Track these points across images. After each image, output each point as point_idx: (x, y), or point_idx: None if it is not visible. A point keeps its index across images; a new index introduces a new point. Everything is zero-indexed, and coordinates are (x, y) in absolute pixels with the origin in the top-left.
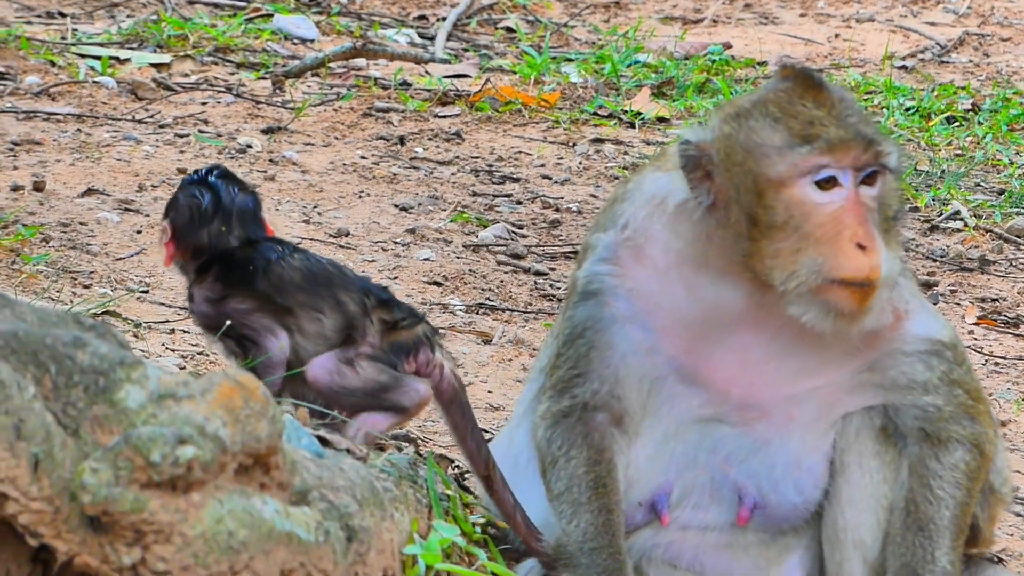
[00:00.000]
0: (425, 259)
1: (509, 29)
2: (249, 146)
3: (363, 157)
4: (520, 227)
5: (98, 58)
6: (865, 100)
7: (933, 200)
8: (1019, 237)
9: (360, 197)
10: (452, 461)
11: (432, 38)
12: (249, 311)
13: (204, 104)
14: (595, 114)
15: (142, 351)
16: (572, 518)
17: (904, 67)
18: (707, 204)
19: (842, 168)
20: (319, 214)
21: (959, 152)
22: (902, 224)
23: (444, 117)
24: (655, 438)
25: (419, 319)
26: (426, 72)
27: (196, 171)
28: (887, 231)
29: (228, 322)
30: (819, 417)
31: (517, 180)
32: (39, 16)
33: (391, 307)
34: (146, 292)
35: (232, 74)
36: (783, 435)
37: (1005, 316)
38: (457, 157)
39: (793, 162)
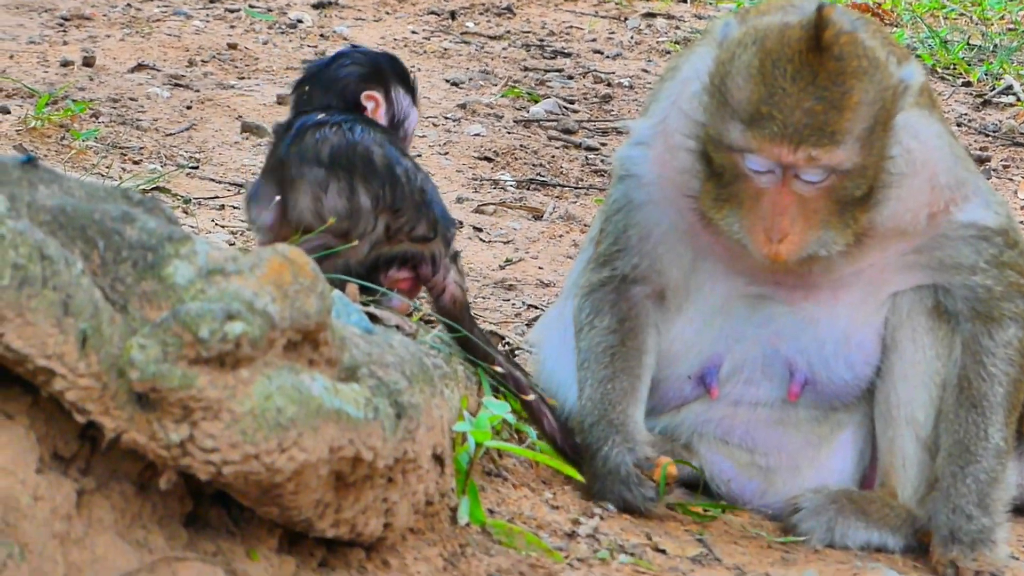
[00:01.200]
0: (476, 134)
1: None
2: (300, 21)
3: (414, 32)
4: (571, 102)
5: None
6: None
7: (985, 75)
8: None
9: (411, 72)
10: (503, 338)
11: None
12: (263, 173)
13: None
14: None
15: (191, 227)
16: (583, 388)
17: None
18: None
19: (767, 163)
20: None
21: (1012, 26)
22: (876, 201)
23: None
24: (702, 312)
25: (431, 237)
26: None
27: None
28: (842, 211)
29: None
30: (867, 297)
31: (568, 55)
32: None
33: (401, 214)
34: (196, 168)
35: None
36: (831, 314)
37: None
38: (508, 32)
39: (733, 131)
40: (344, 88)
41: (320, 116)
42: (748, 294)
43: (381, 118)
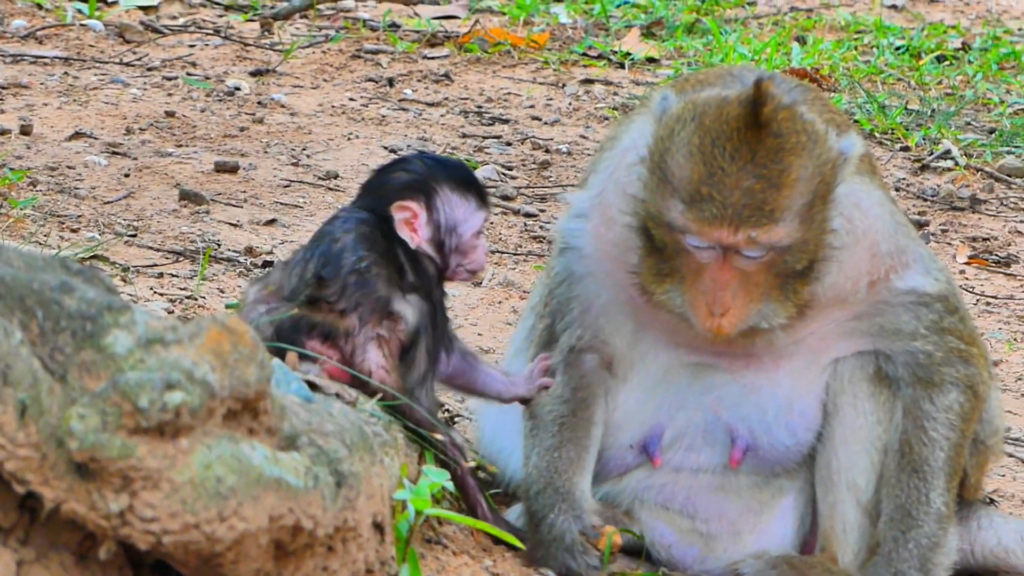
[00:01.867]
0: None
1: None
2: (238, 88)
3: (352, 99)
4: (510, 168)
5: (85, 0)
6: (855, 40)
7: (923, 139)
8: (1010, 176)
9: (349, 139)
10: (442, 405)
11: None
12: None
13: (192, 47)
14: (584, 55)
15: (130, 296)
16: (530, 456)
17: (894, 6)
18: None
19: (706, 243)
20: (308, 156)
21: (949, 91)
22: (820, 272)
23: (433, 59)
24: (644, 382)
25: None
26: (415, 13)
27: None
28: (783, 284)
29: None
30: (808, 364)
31: (506, 121)
32: None
33: (324, 286)
34: (134, 236)
35: (220, 16)
36: (772, 381)
37: (996, 255)
38: (446, 99)
39: (673, 210)
40: (381, 196)
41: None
42: (690, 363)
43: (421, 228)
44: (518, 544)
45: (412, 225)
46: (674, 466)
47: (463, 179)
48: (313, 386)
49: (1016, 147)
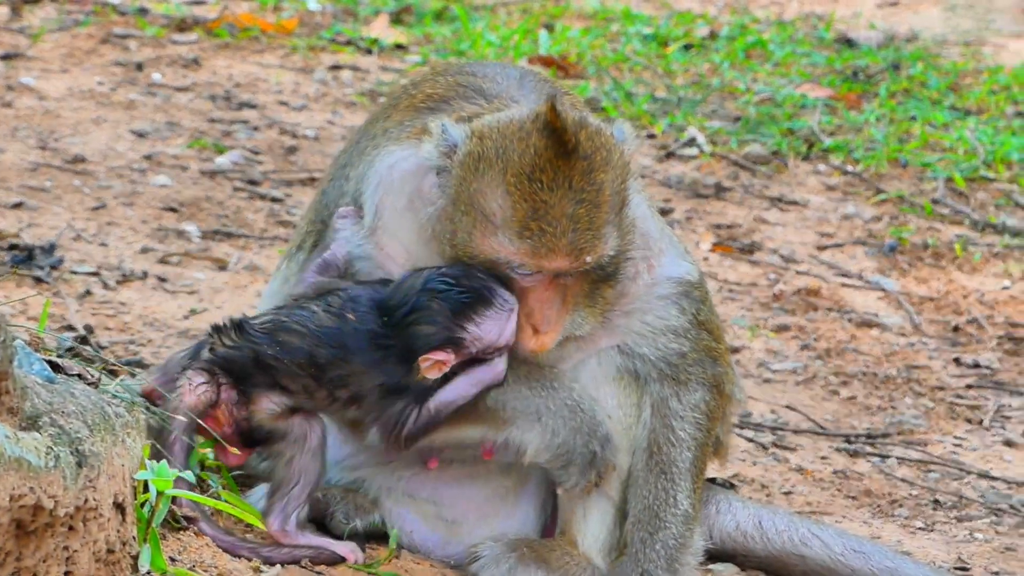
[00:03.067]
0: (162, 185)
1: None
2: None
3: (100, 83)
4: (257, 153)
5: None
6: (602, 27)
7: (669, 127)
8: (755, 164)
9: (97, 123)
10: None
11: None
12: None
13: None
14: (333, 41)
15: None
16: None
17: None
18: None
19: (535, 271)
20: (56, 140)
21: (696, 79)
22: (620, 273)
23: (182, 43)
24: None
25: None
26: None
27: None
28: (595, 289)
29: None
30: (570, 357)
31: (254, 107)
32: None
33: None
34: None
35: None
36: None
37: (740, 242)
38: (195, 83)
39: (501, 247)
40: (409, 345)
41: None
42: None
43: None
44: (258, 524)
45: (441, 367)
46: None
47: (489, 305)
48: (56, 367)
49: (761, 135)
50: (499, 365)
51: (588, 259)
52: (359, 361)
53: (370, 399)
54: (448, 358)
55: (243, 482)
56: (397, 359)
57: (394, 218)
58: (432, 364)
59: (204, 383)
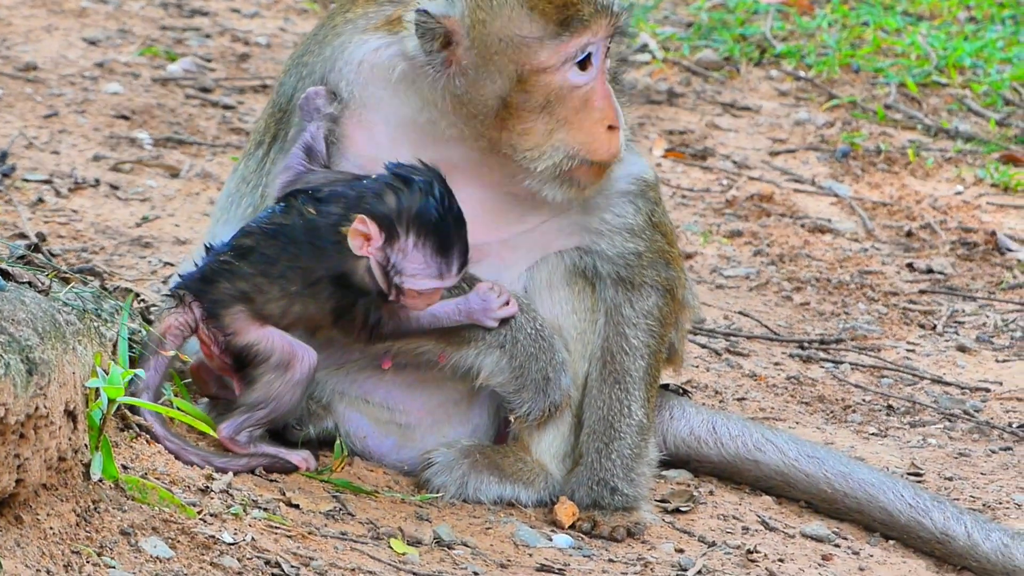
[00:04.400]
0: (113, 93)
1: None
2: None
3: None
4: (208, 61)
5: None
6: None
7: None
8: (707, 69)
9: (48, 31)
10: (138, 295)
11: None
12: None
13: None
14: None
15: None
16: None
17: None
18: (444, 77)
19: (596, 43)
20: (7, 48)
21: None
22: (623, 90)
23: None
24: None
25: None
26: None
27: None
28: (618, 95)
29: None
30: (528, 256)
31: (206, 14)
32: None
33: None
34: None
35: None
36: (491, 274)
37: (693, 148)
38: None
39: (555, 49)
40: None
41: None
42: None
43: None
44: (211, 432)
45: (364, 240)
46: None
47: (437, 238)
48: (6, 274)
49: (713, 41)
50: (492, 303)
51: (625, 11)
52: (304, 253)
53: (323, 293)
54: (369, 231)
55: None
56: (339, 248)
57: (378, 101)
58: (355, 235)
59: (174, 307)
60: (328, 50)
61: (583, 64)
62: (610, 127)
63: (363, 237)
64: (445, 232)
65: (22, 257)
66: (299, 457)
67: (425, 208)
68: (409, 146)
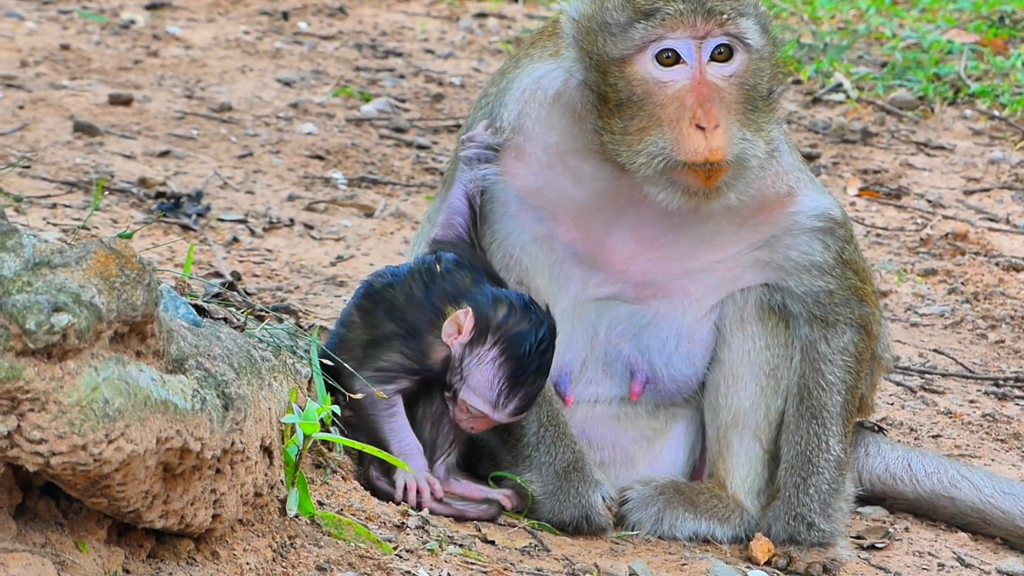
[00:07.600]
0: (308, 133)
1: None
2: (133, 22)
3: (246, 32)
4: (403, 101)
5: None
6: None
7: (816, 72)
8: (901, 109)
9: (243, 72)
10: (326, 330)
11: None
12: None
13: None
14: None
15: (23, 225)
16: None
17: None
18: (578, 81)
19: (681, 40)
20: (202, 89)
21: (842, 25)
22: (777, 102)
23: None
24: (558, 319)
25: None
26: None
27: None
28: (753, 111)
29: None
30: (715, 292)
31: (400, 55)
32: None
33: None
34: (28, 167)
35: None
36: (678, 309)
37: (887, 187)
38: (340, 32)
39: (631, 37)
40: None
41: None
42: (599, 296)
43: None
44: (407, 468)
45: (458, 328)
46: (575, 400)
47: (513, 366)
48: (202, 311)
49: (907, 80)
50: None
51: (727, 18)
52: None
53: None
54: (464, 324)
55: None
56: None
57: (538, 124)
58: (454, 321)
59: None
60: (504, 83)
61: (666, 60)
62: (699, 127)
63: (457, 328)
64: (523, 368)
65: (217, 295)
66: (501, 495)
67: (521, 336)
68: (567, 172)
